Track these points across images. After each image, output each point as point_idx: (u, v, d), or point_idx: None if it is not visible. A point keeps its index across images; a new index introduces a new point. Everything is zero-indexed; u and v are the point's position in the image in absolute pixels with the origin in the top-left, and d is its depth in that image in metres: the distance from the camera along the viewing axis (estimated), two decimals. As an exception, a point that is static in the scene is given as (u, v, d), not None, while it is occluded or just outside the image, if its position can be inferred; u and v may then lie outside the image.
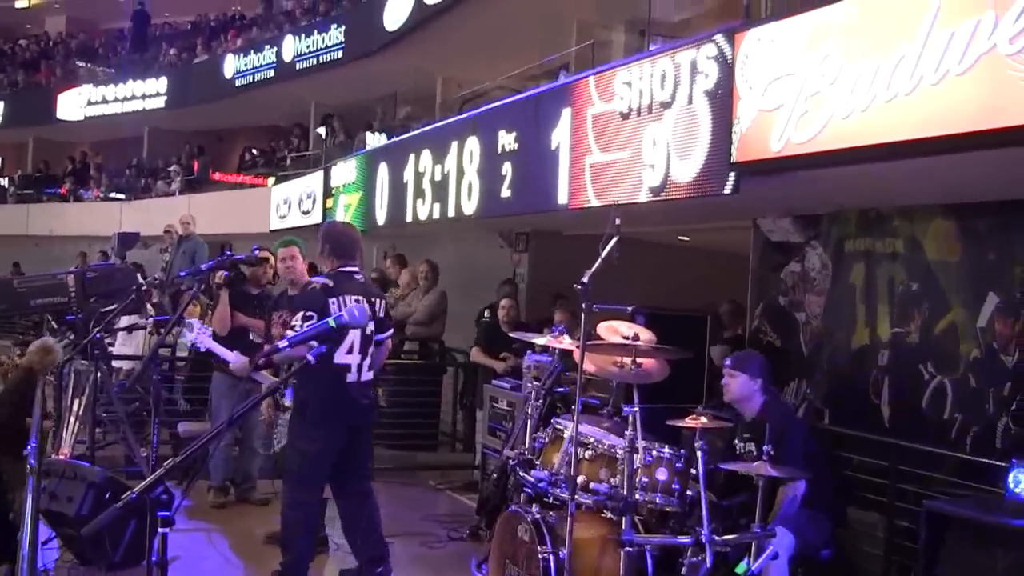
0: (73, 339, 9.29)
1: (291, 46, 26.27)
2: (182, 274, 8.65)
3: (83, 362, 9.20)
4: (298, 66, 26.03)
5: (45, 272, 10.41)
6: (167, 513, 3.57)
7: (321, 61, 24.90)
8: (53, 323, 10.13)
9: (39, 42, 44.34)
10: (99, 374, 8.89)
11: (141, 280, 9.24)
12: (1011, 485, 5.98)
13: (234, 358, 8.99)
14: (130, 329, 10.73)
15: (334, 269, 7.34)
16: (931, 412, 8.01)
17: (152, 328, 9.81)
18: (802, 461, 6.70)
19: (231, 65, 29.24)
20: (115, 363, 10.27)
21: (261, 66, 27.83)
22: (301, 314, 6.89)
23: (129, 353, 11.71)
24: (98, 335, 8.55)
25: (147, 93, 33.33)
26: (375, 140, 20.79)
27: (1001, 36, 5.35)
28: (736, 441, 7.24)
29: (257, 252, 9.67)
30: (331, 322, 4.56)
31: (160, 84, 33.02)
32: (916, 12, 5.87)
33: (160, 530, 3.57)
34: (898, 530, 7.54)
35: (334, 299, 7.13)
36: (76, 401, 9.33)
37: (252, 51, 28.48)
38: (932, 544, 6.08)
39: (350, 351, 7.21)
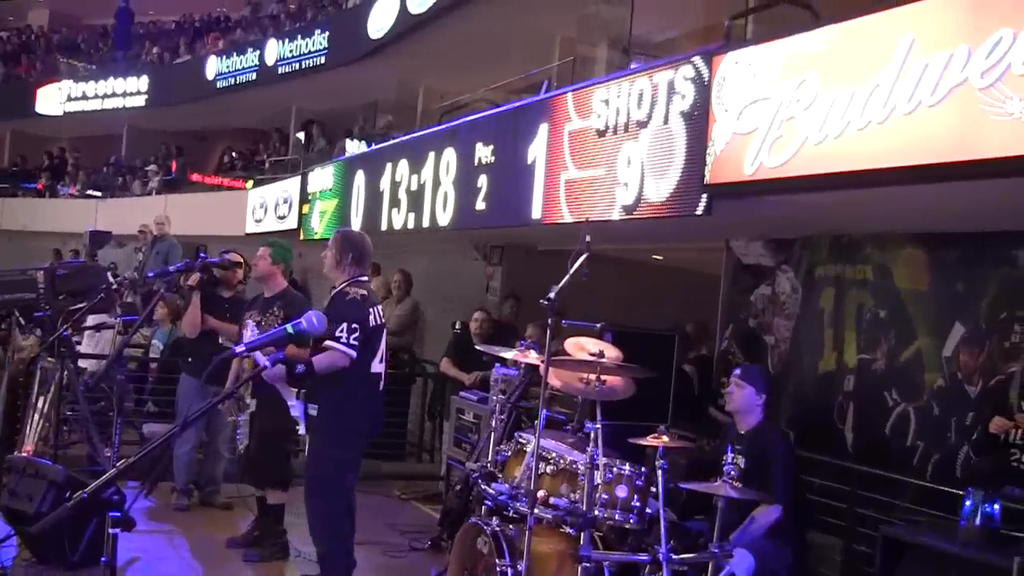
0: (40, 336, 9.24)
1: (274, 50, 26.25)
2: (150, 275, 8.61)
3: (50, 359, 9.16)
4: (280, 70, 26.00)
5: (15, 268, 10.34)
6: (117, 514, 3.58)
7: (304, 66, 24.88)
8: (21, 319, 10.06)
9: (21, 35, 44.19)
10: (65, 372, 8.86)
11: (111, 279, 9.18)
12: (966, 512, 6.04)
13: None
14: (98, 328, 10.70)
15: (353, 278, 7.25)
16: (894, 439, 8.09)
17: (120, 327, 9.78)
18: (785, 490, 6.76)
19: (213, 67, 29.21)
20: (81, 362, 10.21)
21: (243, 69, 27.80)
22: (345, 324, 6.83)
23: (93, 352, 11.69)
24: (65, 333, 8.53)
25: (128, 91, 33.23)
26: (355, 147, 20.81)
27: (973, 70, 5.41)
28: (729, 452, 7.21)
29: (227, 256, 9.67)
30: (289, 328, 4.57)
31: (141, 83, 32.92)
32: (891, 42, 5.93)
33: (111, 531, 3.57)
34: (856, 554, 7.60)
35: (371, 309, 7.18)
36: (41, 399, 9.29)
37: (235, 53, 28.46)
38: (887, 569, 6.13)
39: (381, 360, 7.27)
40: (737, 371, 7.42)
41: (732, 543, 6.34)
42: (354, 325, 6.87)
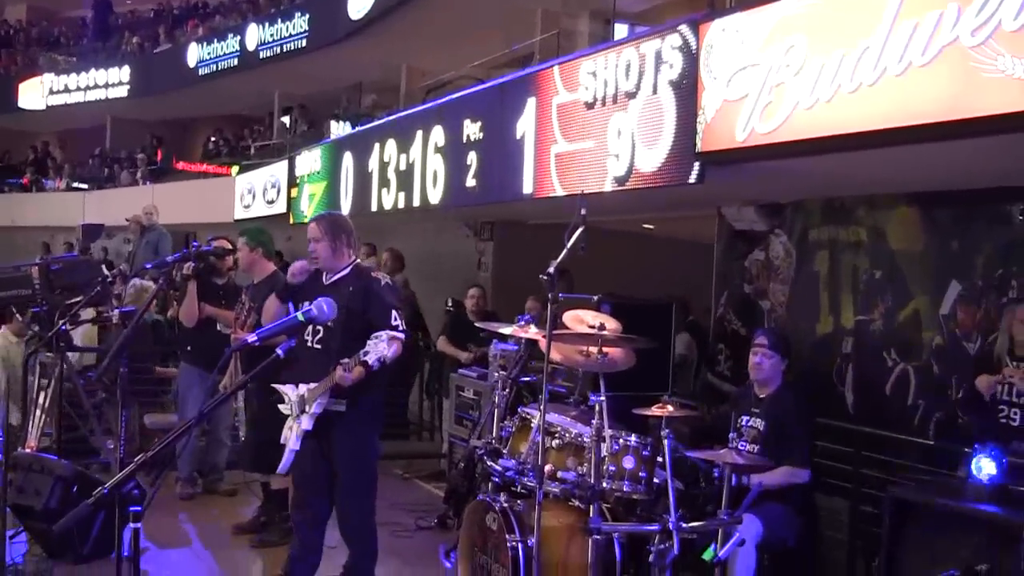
0: (38, 331, 9.22)
1: (255, 34, 26.16)
2: (147, 266, 8.56)
3: (48, 354, 9.14)
4: (262, 55, 25.93)
5: (8, 264, 10.31)
6: (139, 508, 3.58)
7: (285, 50, 24.80)
8: (18, 315, 10.04)
9: (-1, 30, 43.99)
10: (64, 366, 8.85)
11: (106, 272, 9.16)
12: (973, 470, 6.04)
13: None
14: (94, 321, 10.68)
15: (355, 261, 7.00)
16: (895, 399, 8.09)
17: (119, 320, 9.75)
18: (806, 456, 6.78)
19: (194, 54, 29.11)
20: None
21: (224, 55, 27.72)
22: (395, 312, 6.65)
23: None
24: (63, 327, 8.51)
25: (110, 82, 33.13)
26: (340, 129, 20.75)
27: (964, 28, 5.39)
28: (743, 417, 7.20)
29: (214, 243, 9.62)
30: (300, 316, 4.55)
31: (123, 73, 32.82)
32: (879, 3, 5.90)
33: (132, 525, 3.57)
34: (862, 516, 7.61)
35: None
36: (42, 394, 9.28)
37: (215, 39, 28.36)
38: (895, 529, 6.13)
39: None
40: (760, 337, 7.35)
41: (741, 508, 6.34)
42: (399, 310, 6.76)
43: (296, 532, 7.07)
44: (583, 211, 6.11)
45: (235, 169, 25.20)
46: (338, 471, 6.82)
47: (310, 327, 6.53)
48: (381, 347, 6.34)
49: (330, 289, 6.70)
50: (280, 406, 6.90)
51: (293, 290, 7.02)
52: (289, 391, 6.77)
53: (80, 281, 9.04)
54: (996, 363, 7.09)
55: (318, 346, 6.68)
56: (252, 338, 4.54)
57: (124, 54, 34.69)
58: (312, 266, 6.93)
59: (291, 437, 6.77)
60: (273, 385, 6.85)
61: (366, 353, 6.28)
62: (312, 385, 6.62)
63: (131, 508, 3.58)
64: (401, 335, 6.56)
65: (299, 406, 6.72)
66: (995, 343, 7.25)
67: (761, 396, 7.24)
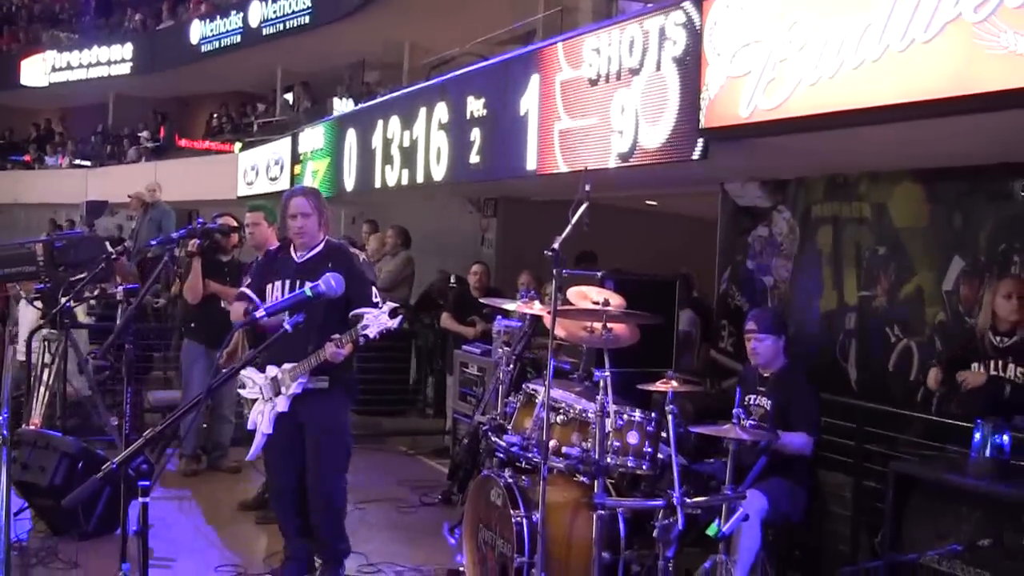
0: (42, 309, 9.23)
1: (258, 11, 26.07)
2: (152, 243, 8.57)
3: (52, 331, 9.15)
4: (265, 32, 25.83)
5: (13, 241, 10.31)
6: (147, 483, 3.59)
7: (288, 27, 24.71)
8: (22, 292, 10.05)
9: (1, 7, 43.84)
10: (68, 343, 8.87)
11: (110, 248, 9.14)
12: (975, 444, 6.05)
13: None
14: (99, 298, 10.70)
15: (323, 237, 6.93)
16: (897, 374, 8.11)
17: (123, 297, 9.75)
18: (814, 424, 6.77)
19: (197, 31, 29.02)
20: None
21: (227, 32, 27.63)
22: (374, 288, 6.73)
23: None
24: (68, 305, 8.52)
25: (112, 59, 33.03)
26: (342, 106, 20.71)
27: (967, 4, 5.37)
28: (749, 396, 7.19)
29: (219, 220, 9.62)
30: (307, 291, 4.54)
31: (125, 50, 32.73)
32: (883, -21, 5.90)
33: (141, 500, 3.58)
34: (865, 491, 7.61)
35: None
36: (46, 371, 9.30)
37: (218, 16, 28.25)
38: (898, 504, 6.14)
39: None
40: (750, 323, 7.34)
41: (745, 483, 6.36)
42: (376, 287, 6.78)
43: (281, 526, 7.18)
44: (587, 187, 6.11)
45: (238, 146, 25.18)
46: (315, 448, 6.80)
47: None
48: (383, 320, 6.15)
49: (306, 267, 6.68)
50: (241, 391, 6.89)
51: (259, 276, 7.01)
52: (253, 375, 6.73)
53: (84, 258, 9.05)
54: (980, 339, 7.09)
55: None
56: (259, 314, 4.54)
57: (127, 31, 34.58)
58: (302, 242, 6.84)
59: (263, 421, 6.72)
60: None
61: (365, 327, 6.11)
62: (289, 366, 6.55)
63: (140, 483, 3.59)
64: (398, 306, 6.42)
65: (271, 388, 6.65)
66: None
67: (766, 375, 7.25)
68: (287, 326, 4.41)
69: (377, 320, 6.14)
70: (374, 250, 14.26)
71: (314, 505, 6.91)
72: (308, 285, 4.68)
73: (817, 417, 6.90)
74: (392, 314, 6.22)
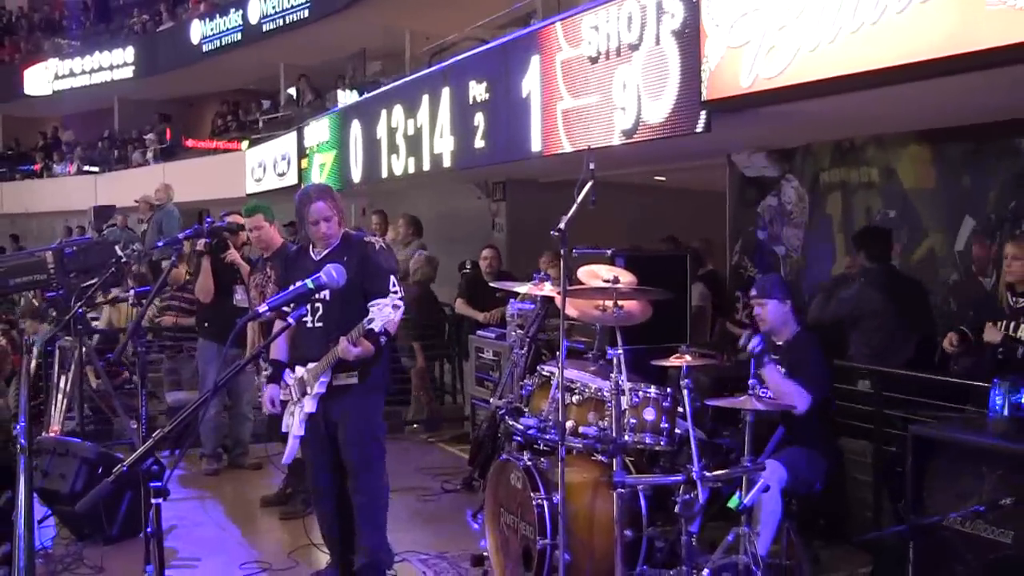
0: (55, 316, 9.26)
1: (257, 7, 26.02)
2: (157, 244, 8.57)
3: (67, 338, 9.18)
4: (265, 27, 25.80)
5: (24, 250, 10.35)
6: (159, 484, 3.59)
7: (288, 21, 24.69)
8: (34, 301, 10.09)
9: (0, 18, 43.89)
10: (84, 349, 8.89)
11: (120, 252, 9.16)
12: (994, 404, 6.03)
13: None
14: (113, 302, 10.72)
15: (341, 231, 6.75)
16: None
17: (135, 300, 9.76)
18: (815, 385, 6.67)
19: (197, 31, 28.99)
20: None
21: (227, 30, 27.59)
22: (393, 277, 6.47)
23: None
24: (80, 311, 8.54)
25: (114, 64, 33.04)
26: (346, 97, 20.69)
27: (964, -40, 5.36)
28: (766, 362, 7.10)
29: (227, 218, 9.62)
30: (309, 283, 4.50)
31: (127, 54, 32.72)
32: (878, -61, 5.87)
33: (153, 501, 3.58)
34: (886, 456, 7.59)
35: None
36: (63, 378, 9.32)
37: (217, 15, 28.21)
38: (919, 468, 6.12)
39: None
40: (753, 291, 7.30)
41: (764, 454, 6.33)
42: (396, 274, 6.59)
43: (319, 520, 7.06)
44: (591, 166, 6.09)
45: (245, 144, 25.18)
46: (348, 448, 6.63)
47: (308, 307, 6.34)
48: (387, 312, 6.05)
49: (324, 263, 6.44)
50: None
51: (282, 279, 6.90)
52: (287, 377, 6.63)
53: (94, 263, 9.08)
54: (999, 301, 7.05)
55: (319, 324, 6.46)
56: (263, 308, 4.51)
57: (128, 35, 34.57)
58: (324, 244, 6.63)
59: (294, 423, 6.61)
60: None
61: (370, 321, 6.02)
62: (312, 365, 6.45)
63: (152, 484, 3.60)
64: (401, 301, 6.33)
65: (299, 389, 6.55)
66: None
67: (779, 343, 7.19)
68: (291, 320, 4.41)
69: (381, 312, 6.03)
70: (392, 240, 14.23)
71: (356, 502, 6.73)
72: (311, 277, 4.62)
73: (820, 379, 6.73)
74: (395, 306, 6.13)
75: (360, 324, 6.09)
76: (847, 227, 8.69)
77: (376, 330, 6.11)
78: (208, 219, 9.81)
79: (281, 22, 24.92)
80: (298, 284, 4.53)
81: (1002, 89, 6.24)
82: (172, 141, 31.13)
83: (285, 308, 4.61)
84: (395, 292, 6.36)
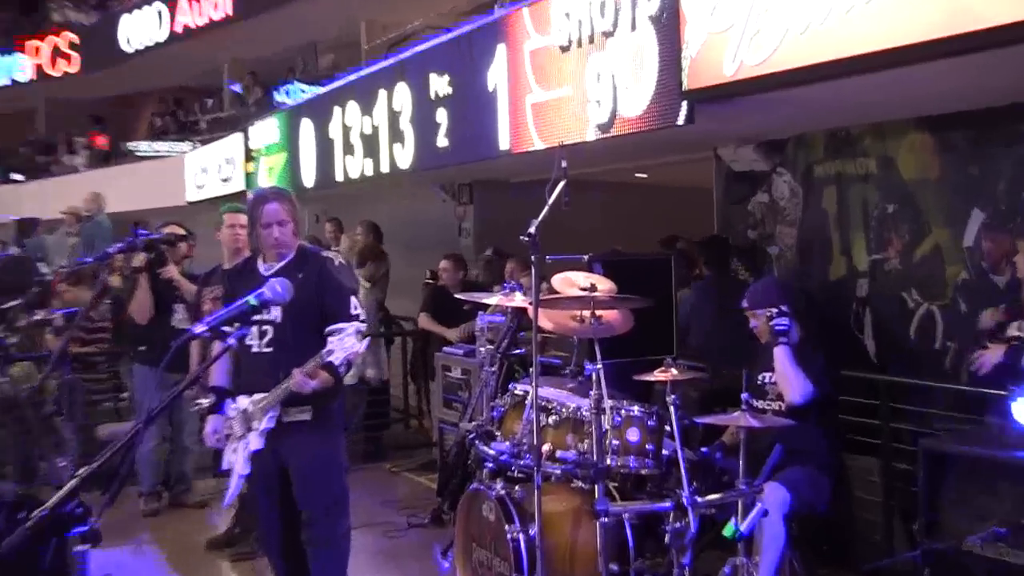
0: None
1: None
2: (87, 260, 8.42)
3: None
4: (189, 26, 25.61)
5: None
6: (84, 528, 3.52)
7: (213, 20, 24.42)
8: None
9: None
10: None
11: (44, 270, 9.08)
12: (1014, 415, 6.00)
13: None
14: (40, 324, 10.63)
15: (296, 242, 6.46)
16: (921, 342, 8.09)
17: (62, 322, 9.66)
18: (818, 375, 6.65)
19: (125, 28, 28.75)
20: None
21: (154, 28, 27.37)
22: (355, 298, 6.23)
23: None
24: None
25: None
26: (284, 98, 20.68)
27: (961, -68, 5.37)
28: (763, 374, 7.09)
29: (163, 230, 9.54)
30: (251, 300, 4.43)
31: (54, 50, 32.53)
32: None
33: (78, 549, 3.52)
34: (895, 473, 7.58)
35: None
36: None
37: (146, 6, 27.89)
38: (932, 486, 6.11)
39: None
40: (744, 302, 7.26)
41: (762, 475, 6.29)
42: (357, 295, 6.39)
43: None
44: (563, 164, 6.08)
45: (187, 147, 25.02)
46: (301, 496, 6.34)
47: (255, 329, 6.08)
48: (349, 343, 5.83)
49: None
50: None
51: (229, 295, 6.45)
52: (225, 408, 6.35)
53: (14, 282, 8.97)
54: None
55: (268, 349, 6.17)
56: (199, 328, 4.42)
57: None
58: (277, 252, 6.33)
59: (237, 461, 6.28)
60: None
61: (330, 352, 5.80)
62: (258, 397, 6.15)
63: (74, 529, 3.52)
64: (364, 326, 6.12)
65: (243, 423, 6.24)
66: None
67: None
68: (231, 341, 4.35)
69: (342, 344, 5.82)
70: (346, 250, 14.14)
71: (310, 553, 6.40)
72: (252, 293, 4.51)
73: (819, 372, 6.73)
74: (358, 333, 5.92)
75: (318, 355, 5.84)
76: (843, 224, 8.68)
77: (335, 363, 5.92)
78: (142, 231, 9.63)
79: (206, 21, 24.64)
80: (239, 301, 4.43)
81: (1009, 71, 6.24)
82: (105, 145, 30.94)
83: (226, 328, 4.48)
84: (357, 316, 6.14)
